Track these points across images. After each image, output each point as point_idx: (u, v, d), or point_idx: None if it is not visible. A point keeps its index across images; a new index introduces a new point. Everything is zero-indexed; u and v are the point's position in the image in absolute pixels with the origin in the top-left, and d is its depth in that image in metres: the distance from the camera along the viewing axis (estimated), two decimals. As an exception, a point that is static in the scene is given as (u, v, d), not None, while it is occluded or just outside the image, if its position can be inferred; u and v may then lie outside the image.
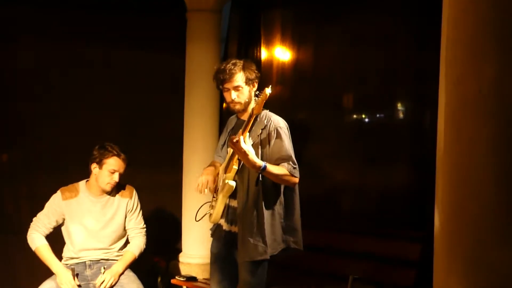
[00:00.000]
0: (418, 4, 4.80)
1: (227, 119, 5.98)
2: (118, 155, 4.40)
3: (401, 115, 5.07)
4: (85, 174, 4.59)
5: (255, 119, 3.64)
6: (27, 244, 5.40)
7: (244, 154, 3.40)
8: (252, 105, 3.76)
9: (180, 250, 6.05)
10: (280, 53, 5.98)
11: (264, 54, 6.08)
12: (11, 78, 5.76)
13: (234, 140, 3.39)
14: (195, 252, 5.88)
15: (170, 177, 6.06)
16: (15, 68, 5.77)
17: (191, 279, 5.26)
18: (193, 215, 5.70)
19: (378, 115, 5.23)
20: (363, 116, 5.46)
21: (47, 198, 4.96)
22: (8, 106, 5.73)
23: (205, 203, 4.15)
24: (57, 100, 5.84)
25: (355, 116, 5.52)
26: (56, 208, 4.46)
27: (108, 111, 5.94)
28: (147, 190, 4.88)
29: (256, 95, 3.40)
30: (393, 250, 4.57)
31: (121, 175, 4.43)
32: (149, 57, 6.07)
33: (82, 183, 4.54)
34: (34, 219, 4.49)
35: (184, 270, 5.80)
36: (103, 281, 4.26)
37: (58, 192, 4.51)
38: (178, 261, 5.94)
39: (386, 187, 5.10)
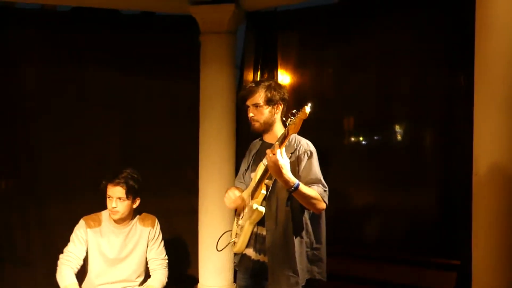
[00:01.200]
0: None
1: (243, 143, 5.89)
2: (112, 181, 4.25)
3: (430, 137, 4.89)
4: (95, 201, 4.46)
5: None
6: (37, 275, 5.26)
7: (280, 168, 3.22)
8: (279, 127, 3.67)
9: (196, 281, 5.83)
10: (297, 75, 5.81)
11: (281, 76, 5.90)
12: (19, 104, 5.65)
13: (271, 154, 3.21)
14: (213, 282, 5.66)
15: (186, 204, 5.90)
16: (22, 93, 5.68)
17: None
18: (210, 243, 5.62)
19: (405, 137, 5.04)
20: (387, 137, 5.29)
21: (56, 226, 4.83)
22: (17, 132, 5.56)
23: (226, 231, 3.95)
24: (67, 125, 5.71)
25: (377, 137, 5.35)
26: (83, 236, 4.30)
27: (122, 137, 5.78)
28: (161, 218, 4.70)
29: (292, 114, 3.17)
30: (427, 279, 4.36)
31: (123, 200, 4.24)
32: (163, 81, 5.95)
33: (104, 213, 4.40)
34: (61, 255, 4.30)
35: (202, 301, 5.58)
36: None
37: (82, 221, 4.36)
38: (195, 292, 5.73)
39: (413, 212, 4.90)
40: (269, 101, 3.60)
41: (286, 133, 3.23)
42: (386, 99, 5.16)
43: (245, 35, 6.16)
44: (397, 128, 5.10)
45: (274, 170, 3.26)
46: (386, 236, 5.04)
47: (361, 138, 5.46)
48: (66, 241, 4.61)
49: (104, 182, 4.29)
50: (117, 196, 4.22)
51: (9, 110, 5.57)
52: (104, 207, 4.39)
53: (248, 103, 3.65)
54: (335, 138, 5.43)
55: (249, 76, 6.11)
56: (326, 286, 3.73)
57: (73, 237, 4.31)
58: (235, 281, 5.75)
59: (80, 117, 5.72)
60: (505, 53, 3.71)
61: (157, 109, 5.94)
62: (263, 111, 3.61)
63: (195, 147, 5.76)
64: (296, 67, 5.85)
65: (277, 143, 3.29)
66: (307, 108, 3.08)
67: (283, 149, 3.28)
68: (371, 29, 5.28)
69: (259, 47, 6.08)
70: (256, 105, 3.61)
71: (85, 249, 4.28)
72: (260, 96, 3.59)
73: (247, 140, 5.89)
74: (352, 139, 5.45)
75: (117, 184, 4.23)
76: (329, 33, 5.58)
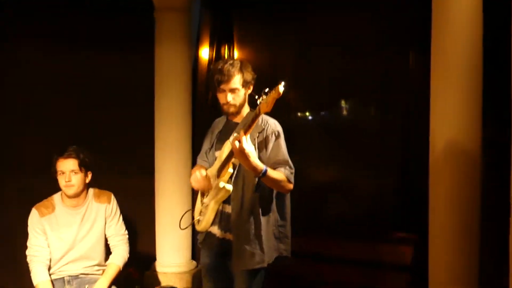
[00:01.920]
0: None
1: (200, 123, 5.88)
2: (61, 155, 4.17)
3: (390, 115, 4.95)
4: (49, 184, 4.35)
5: None
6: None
7: (246, 155, 3.20)
8: (246, 108, 3.64)
9: (153, 259, 5.83)
10: (254, 52, 5.81)
11: (236, 54, 5.89)
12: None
13: (236, 141, 3.18)
14: (171, 260, 5.66)
15: (141, 183, 5.83)
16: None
17: (172, 289, 5.03)
18: (167, 222, 5.64)
19: (365, 115, 5.10)
20: (348, 117, 5.34)
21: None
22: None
23: (188, 210, 3.94)
24: (21, 103, 5.54)
25: (338, 117, 5.39)
26: (39, 226, 4.18)
27: (77, 118, 5.67)
28: (118, 197, 4.64)
29: (265, 93, 3.12)
30: (384, 254, 4.45)
31: (76, 173, 4.16)
32: (117, 60, 5.79)
33: (56, 196, 4.29)
34: (27, 251, 4.18)
35: (160, 279, 5.57)
36: None
37: (33, 210, 4.23)
38: (153, 270, 5.71)
39: (374, 189, 5.00)
40: (245, 83, 3.55)
41: (258, 112, 3.17)
42: (345, 77, 5.19)
43: (200, 12, 6.10)
44: (358, 107, 5.15)
45: (240, 158, 3.23)
46: (346, 214, 5.11)
47: (320, 117, 5.49)
48: (21, 223, 4.54)
49: (54, 159, 4.19)
50: (70, 169, 4.13)
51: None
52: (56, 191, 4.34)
53: (224, 87, 3.53)
54: (295, 117, 5.45)
55: (205, 53, 6.08)
56: (293, 263, 3.77)
57: (30, 229, 4.20)
58: (193, 258, 5.80)
59: (35, 96, 5.57)
60: (461, 30, 3.80)
61: (112, 89, 5.80)
62: (239, 94, 3.55)
63: (150, 127, 5.73)
64: (252, 43, 5.83)
65: (242, 129, 3.25)
66: (281, 87, 2.99)
67: (248, 136, 3.25)
68: (329, 5, 5.28)
69: (215, 24, 6.05)
70: (234, 90, 3.53)
71: (45, 238, 4.18)
72: (238, 80, 3.51)
73: (203, 120, 5.94)
74: (312, 118, 5.48)
75: (69, 156, 4.15)
76: (285, 9, 5.56)
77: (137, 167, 5.88)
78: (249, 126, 3.25)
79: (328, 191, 5.31)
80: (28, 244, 4.19)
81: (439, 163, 3.85)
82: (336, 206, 5.25)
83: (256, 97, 3.19)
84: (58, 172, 4.15)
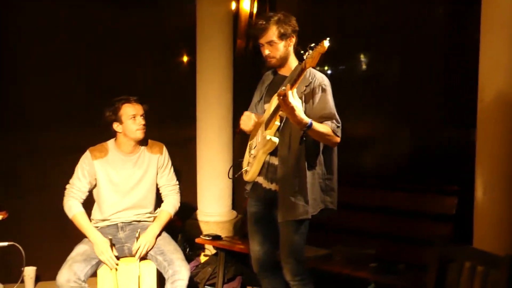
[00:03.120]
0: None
1: (241, 72, 5.91)
2: (128, 101, 4.28)
3: (435, 65, 4.90)
4: (97, 132, 4.49)
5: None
6: (35, 204, 5.28)
7: (292, 109, 3.23)
8: (293, 60, 3.67)
9: (195, 209, 5.93)
10: (296, 3, 5.76)
11: (277, 5, 5.85)
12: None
13: (282, 94, 3.21)
14: (212, 210, 5.79)
15: (183, 133, 5.93)
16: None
17: (216, 237, 5.12)
18: (208, 171, 5.71)
19: (409, 66, 5.06)
20: (391, 68, 5.30)
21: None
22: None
23: (239, 160, 3.99)
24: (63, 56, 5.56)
25: (381, 68, 5.36)
26: (88, 168, 4.28)
27: (125, 68, 5.71)
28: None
29: (311, 47, 3.15)
30: (428, 204, 4.48)
31: (144, 117, 4.28)
32: (157, 9, 5.83)
33: (110, 142, 4.38)
34: (67, 186, 4.30)
35: (202, 228, 5.71)
36: (139, 248, 4.13)
37: (87, 152, 4.33)
38: (194, 219, 5.83)
39: (417, 140, 5.00)
40: (283, 36, 3.57)
41: (304, 67, 3.20)
42: (387, 26, 5.14)
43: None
44: (402, 58, 5.10)
45: (286, 111, 3.26)
46: (390, 165, 5.13)
47: (361, 69, 5.47)
48: (57, 172, 4.64)
49: (120, 103, 4.28)
50: (140, 113, 4.26)
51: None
52: (94, 138, 4.44)
53: (262, 41, 3.60)
54: (341, 68, 5.44)
55: (246, 4, 6.06)
56: (337, 214, 3.81)
57: (77, 169, 4.30)
58: (233, 208, 5.90)
59: (75, 50, 5.59)
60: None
61: (154, 39, 5.85)
62: (278, 47, 3.59)
63: (193, 76, 5.78)
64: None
65: (288, 84, 3.28)
66: (326, 42, 3.03)
67: (295, 90, 3.29)
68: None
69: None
70: (271, 42, 3.58)
71: (88, 182, 4.28)
72: (273, 33, 3.55)
73: (241, 72, 5.97)
74: (356, 69, 5.46)
75: (137, 102, 4.29)
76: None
77: (179, 118, 5.96)
78: (295, 81, 3.28)
79: (372, 143, 5.32)
80: (70, 181, 4.31)
81: (487, 114, 3.82)
82: (379, 157, 5.26)
83: (302, 52, 3.22)
84: (129, 116, 4.24)
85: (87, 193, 4.32)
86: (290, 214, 3.53)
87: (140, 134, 4.29)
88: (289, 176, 3.52)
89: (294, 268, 3.62)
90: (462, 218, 4.21)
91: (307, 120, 3.31)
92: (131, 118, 4.24)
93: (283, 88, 3.24)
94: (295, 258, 3.62)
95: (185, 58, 6.03)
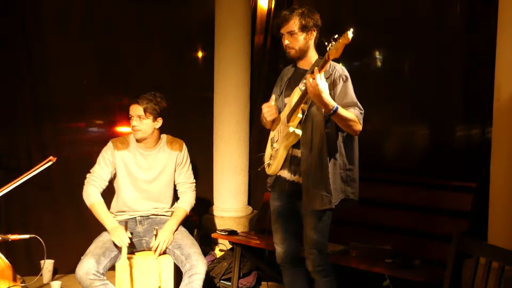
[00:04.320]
0: None
1: (259, 68, 5.94)
2: (133, 101, 4.34)
3: (451, 64, 4.91)
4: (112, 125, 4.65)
5: None
6: (55, 197, 5.34)
7: (320, 92, 3.29)
8: (313, 53, 3.74)
9: (210, 204, 5.97)
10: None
11: (295, 2, 5.86)
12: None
13: (311, 78, 3.27)
14: (228, 205, 5.82)
15: (201, 128, 5.95)
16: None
17: (232, 232, 5.16)
18: (225, 167, 5.75)
19: (426, 64, 5.05)
20: (408, 65, 5.30)
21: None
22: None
23: (260, 154, 4.04)
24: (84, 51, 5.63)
25: (399, 63, 5.35)
26: (110, 158, 4.36)
27: (137, 63, 5.78)
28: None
29: (334, 39, 3.22)
30: (444, 200, 4.49)
31: (142, 118, 4.29)
32: (178, 6, 5.88)
33: (132, 136, 4.44)
34: (88, 174, 4.38)
35: (218, 223, 5.74)
36: (158, 244, 4.17)
37: (110, 143, 4.42)
38: (210, 215, 5.87)
39: (434, 137, 5.01)
40: (304, 28, 3.64)
41: (327, 58, 3.26)
42: (407, 22, 5.15)
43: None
44: (419, 55, 5.10)
45: (314, 94, 3.32)
46: (406, 161, 5.14)
47: (380, 64, 5.47)
48: (82, 166, 4.69)
49: (128, 103, 4.40)
50: (136, 114, 4.29)
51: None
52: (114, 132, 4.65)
53: (283, 31, 3.68)
54: (359, 62, 5.45)
55: (263, 2, 6.09)
56: (354, 208, 3.84)
57: (99, 158, 4.38)
58: (249, 203, 5.93)
59: (93, 44, 5.64)
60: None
61: (173, 35, 5.90)
62: (298, 38, 3.66)
63: (210, 72, 5.82)
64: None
65: (316, 67, 3.34)
66: (350, 34, 3.10)
67: (322, 73, 3.34)
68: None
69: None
70: (291, 33, 3.65)
71: (110, 171, 4.35)
72: (294, 24, 3.63)
73: (261, 67, 6.00)
74: (375, 63, 5.47)
75: (136, 102, 4.31)
76: None
77: (196, 112, 6.00)
78: (322, 66, 3.33)
79: (391, 139, 5.33)
80: (91, 170, 4.39)
81: (503, 113, 3.83)
82: (397, 153, 5.27)
83: (326, 43, 3.27)
84: (129, 115, 4.34)
85: (107, 183, 4.38)
86: (314, 204, 3.59)
87: (134, 135, 4.37)
88: (312, 167, 3.58)
89: (316, 259, 3.68)
90: (478, 215, 4.23)
91: (333, 103, 3.37)
92: (130, 117, 4.34)
93: (305, 81, 3.30)
94: (318, 249, 3.68)
95: (203, 53, 6.06)
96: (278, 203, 3.89)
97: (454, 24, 4.89)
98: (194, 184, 4.56)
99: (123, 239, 4.06)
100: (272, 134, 3.91)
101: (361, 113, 3.56)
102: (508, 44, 3.81)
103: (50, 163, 4.17)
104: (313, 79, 3.28)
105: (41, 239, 3.68)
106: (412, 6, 5.09)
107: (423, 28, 4.99)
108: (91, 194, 4.29)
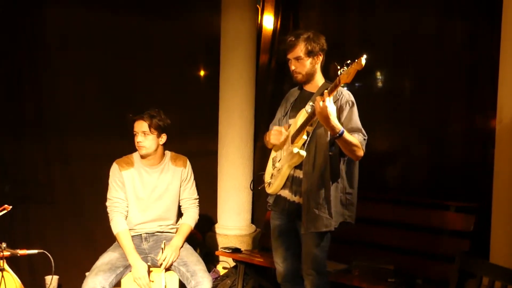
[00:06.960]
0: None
1: (263, 87, 6.00)
2: (135, 117, 4.38)
3: (454, 85, 4.95)
4: (115, 138, 4.74)
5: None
6: (60, 212, 5.36)
7: (328, 115, 3.32)
8: (319, 77, 3.80)
9: (215, 221, 6.00)
10: (319, 21, 5.84)
11: (300, 23, 5.95)
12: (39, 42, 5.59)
13: (321, 100, 3.30)
14: (231, 223, 5.85)
15: (205, 146, 6.00)
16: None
17: (236, 250, 5.19)
18: (229, 185, 5.77)
19: (428, 84, 5.11)
20: (411, 83, 5.35)
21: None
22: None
23: (261, 173, 4.07)
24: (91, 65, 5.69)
25: (400, 83, 5.41)
26: (120, 179, 4.38)
27: (144, 78, 5.83)
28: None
29: (347, 64, 3.24)
30: (446, 221, 4.52)
31: (147, 134, 4.32)
32: (183, 25, 5.97)
33: (135, 154, 4.48)
34: (107, 202, 4.38)
35: (221, 241, 5.76)
36: (165, 258, 4.19)
37: (115, 164, 4.43)
38: (213, 232, 5.90)
39: (435, 158, 5.05)
40: (310, 53, 3.69)
41: (338, 82, 3.28)
42: (407, 41, 5.20)
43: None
44: (421, 74, 5.15)
45: (322, 117, 3.35)
46: (408, 182, 5.18)
47: (382, 84, 5.51)
48: (87, 178, 4.70)
49: (131, 119, 4.42)
50: (141, 130, 4.32)
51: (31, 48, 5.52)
52: (122, 147, 4.58)
53: (289, 56, 3.73)
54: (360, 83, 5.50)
55: (268, 22, 6.16)
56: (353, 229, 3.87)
57: (111, 182, 4.40)
58: (252, 222, 5.96)
59: (99, 60, 5.70)
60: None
61: (178, 54, 5.96)
62: (304, 63, 3.71)
63: (215, 92, 5.88)
64: (317, 10, 5.88)
65: (326, 91, 3.36)
66: (363, 60, 3.12)
67: (331, 97, 3.37)
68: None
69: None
70: (298, 58, 3.70)
71: (125, 191, 4.38)
72: (300, 49, 3.68)
73: (264, 88, 6.05)
74: (376, 84, 5.52)
75: (140, 118, 4.34)
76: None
77: (201, 130, 6.05)
78: (332, 90, 3.36)
79: (392, 159, 5.37)
80: (108, 196, 4.39)
81: (505, 134, 3.88)
82: (399, 173, 5.31)
83: (339, 67, 3.29)
84: (133, 132, 4.36)
85: (127, 203, 4.40)
86: (314, 226, 3.62)
87: (139, 151, 4.40)
88: (314, 188, 3.61)
89: (315, 280, 3.70)
90: (479, 234, 4.27)
91: (340, 127, 3.41)
92: (134, 134, 4.37)
93: (311, 103, 3.35)
94: (317, 270, 3.70)
95: (208, 71, 6.13)
96: (279, 222, 3.92)
97: (457, 48, 4.94)
98: (198, 200, 4.59)
99: (144, 285, 4.10)
100: (273, 153, 3.95)
101: (364, 139, 3.60)
102: (510, 66, 3.86)
103: (4, 211, 4.03)
104: (323, 101, 3.31)
105: (49, 255, 3.70)
106: (414, 25, 5.16)
107: (425, 48, 5.05)
108: (117, 222, 4.30)
